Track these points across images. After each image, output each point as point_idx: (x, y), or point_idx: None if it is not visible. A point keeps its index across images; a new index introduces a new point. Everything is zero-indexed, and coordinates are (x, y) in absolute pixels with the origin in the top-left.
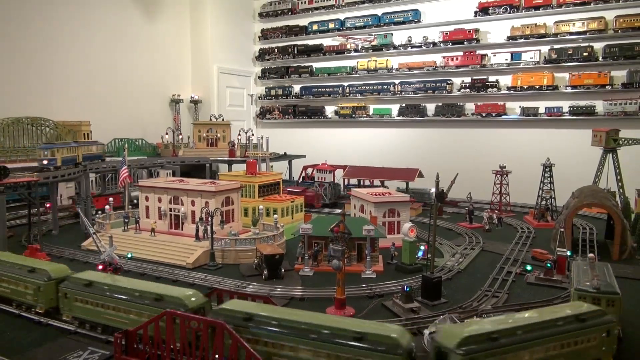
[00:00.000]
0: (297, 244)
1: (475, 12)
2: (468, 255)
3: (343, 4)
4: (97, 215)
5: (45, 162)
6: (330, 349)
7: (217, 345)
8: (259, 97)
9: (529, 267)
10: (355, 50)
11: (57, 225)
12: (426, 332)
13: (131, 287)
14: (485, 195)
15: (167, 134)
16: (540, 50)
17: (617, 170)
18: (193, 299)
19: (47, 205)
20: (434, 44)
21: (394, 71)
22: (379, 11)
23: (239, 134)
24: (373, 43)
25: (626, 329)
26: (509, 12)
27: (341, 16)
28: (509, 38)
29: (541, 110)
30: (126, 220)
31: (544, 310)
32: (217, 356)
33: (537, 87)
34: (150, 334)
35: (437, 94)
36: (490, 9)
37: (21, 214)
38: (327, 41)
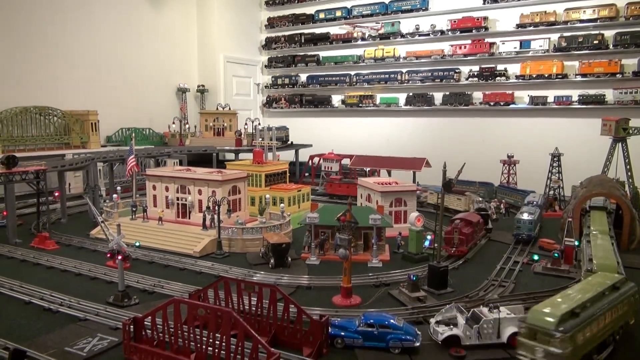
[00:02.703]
0: (303, 233)
1: (484, 0)
2: (475, 244)
3: None
4: (105, 204)
5: None
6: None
7: (223, 332)
8: (265, 86)
9: (536, 257)
10: (362, 39)
11: (66, 214)
12: (432, 320)
13: None
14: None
15: (174, 123)
16: (549, 38)
17: (627, 160)
18: None
19: (56, 193)
20: (442, 32)
21: (401, 60)
22: None
23: (246, 123)
24: (380, 31)
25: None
26: (519, 0)
27: (348, 4)
28: (518, 26)
29: (550, 99)
30: (134, 209)
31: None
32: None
33: (546, 75)
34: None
35: (444, 82)
36: None
37: (30, 203)
38: (334, 29)
